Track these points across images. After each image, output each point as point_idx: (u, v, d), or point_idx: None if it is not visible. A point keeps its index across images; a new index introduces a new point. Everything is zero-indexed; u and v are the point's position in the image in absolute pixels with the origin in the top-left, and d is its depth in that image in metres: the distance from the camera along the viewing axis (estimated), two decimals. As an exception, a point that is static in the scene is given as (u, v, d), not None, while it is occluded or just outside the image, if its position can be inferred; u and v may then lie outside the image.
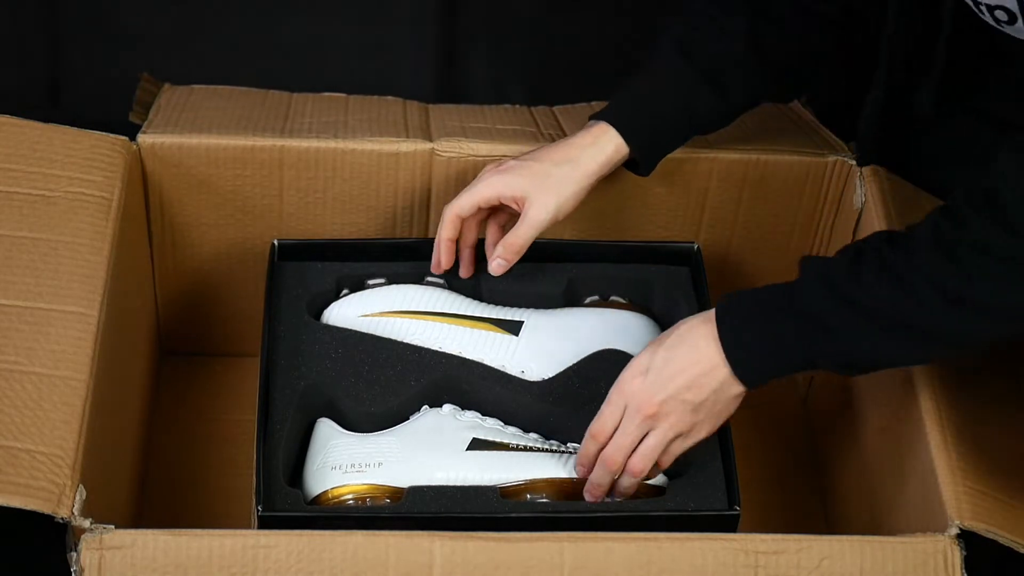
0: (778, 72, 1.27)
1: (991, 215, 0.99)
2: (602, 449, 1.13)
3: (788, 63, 1.27)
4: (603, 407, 1.13)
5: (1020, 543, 1.05)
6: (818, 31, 1.25)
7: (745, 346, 1.09)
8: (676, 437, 1.12)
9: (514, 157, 1.23)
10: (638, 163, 1.24)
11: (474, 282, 1.28)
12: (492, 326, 1.23)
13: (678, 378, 1.10)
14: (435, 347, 1.23)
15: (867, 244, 1.07)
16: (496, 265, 1.22)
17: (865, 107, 1.27)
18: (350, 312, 1.24)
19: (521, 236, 1.20)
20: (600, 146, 1.22)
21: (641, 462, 1.12)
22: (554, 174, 1.20)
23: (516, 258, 1.21)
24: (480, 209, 1.22)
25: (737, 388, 1.11)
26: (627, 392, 1.12)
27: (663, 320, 1.28)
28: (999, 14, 1.13)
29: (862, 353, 1.07)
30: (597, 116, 1.24)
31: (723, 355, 1.09)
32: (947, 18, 1.16)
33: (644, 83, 1.25)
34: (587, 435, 1.13)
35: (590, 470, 1.13)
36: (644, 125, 1.23)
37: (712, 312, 1.11)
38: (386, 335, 1.23)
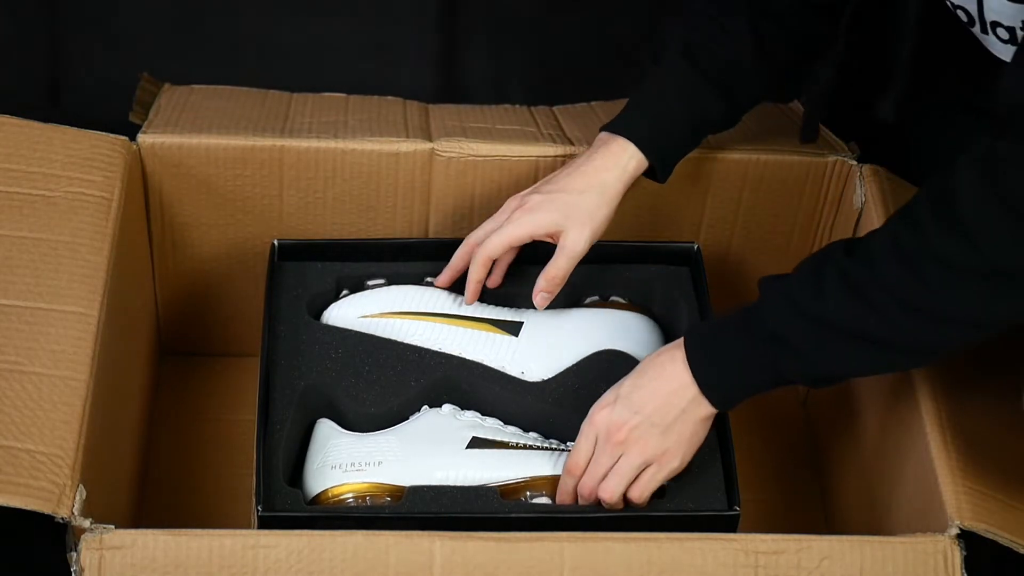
0: (782, 69, 1.27)
1: (950, 225, 0.98)
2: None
3: (792, 59, 1.27)
4: (576, 442, 1.13)
5: (1020, 543, 1.05)
6: (818, 21, 1.25)
7: (714, 367, 1.10)
8: (647, 465, 1.12)
9: (536, 190, 1.22)
10: (656, 172, 1.24)
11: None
12: (492, 327, 1.23)
13: (647, 403, 1.11)
14: (435, 348, 1.23)
15: (827, 256, 1.06)
16: (540, 299, 1.21)
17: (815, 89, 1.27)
18: (350, 313, 1.24)
19: (561, 268, 1.20)
20: (623, 166, 1.21)
21: (611, 488, 1.11)
22: (583, 204, 1.19)
23: (558, 290, 1.21)
24: (511, 249, 1.22)
25: (706, 409, 1.11)
26: (597, 423, 1.12)
27: (663, 320, 1.29)
28: (960, 14, 1.14)
29: (828, 366, 1.07)
30: (611, 129, 1.23)
31: (691, 376, 1.10)
32: (911, 24, 1.15)
33: (654, 92, 1.24)
34: (563, 470, 1.14)
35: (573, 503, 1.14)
36: (659, 135, 1.22)
37: (679, 341, 1.12)
38: (386, 335, 1.23)
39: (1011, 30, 1.12)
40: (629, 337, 1.25)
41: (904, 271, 1.00)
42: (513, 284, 1.26)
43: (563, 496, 1.14)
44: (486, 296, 1.27)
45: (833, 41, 1.22)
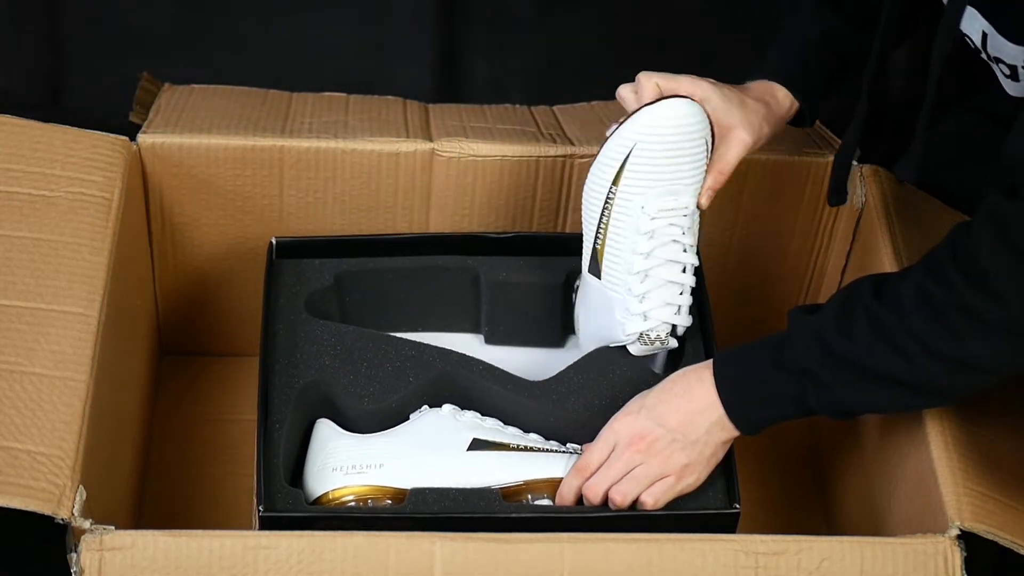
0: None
1: (975, 283, 1.00)
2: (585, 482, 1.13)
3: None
4: (592, 444, 1.14)
5: (1020, 544, 1.05)
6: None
7: (741, 393, 1.10)
8: (663, 477, 1.12)
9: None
10: (804, 116, 1.24)
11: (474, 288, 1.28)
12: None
13: (672, 417, 1.11)
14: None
15: (855, 298, 1.07)
16: (707, 196, 1.18)
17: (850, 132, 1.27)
18: None
19: (727, 163, 1.17)
20: (780, 101, 1.22)
21: (624, 491, 1.12)
22: (751, 107, 1.19)
23: (722, 183, 1.18)
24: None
25: (729, 432, 1.11)
26: (618, 429, 1.13)
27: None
28: (968, 41, 1.16)
29: (854, 403, 1.10)
30: (761, 75, 1.23)
31: (718, 398, 1.10)
32: (932, 89, 1.15)
33: (793, 38, 1.25)
34: (572, 469, 1.14)
35: (574, 503, 1.14)
36: (804, 75, 1.23)
37: (708, 362, 1.12)
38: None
39: (1013, 68, 1.13)
40: None
41: (933, 322, 1.02)
42: (513, 273, 1.27)
43: (565, 494, 1.14)
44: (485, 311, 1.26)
45: (857, 103, 1.22)
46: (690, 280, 1.18)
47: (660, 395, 1.13)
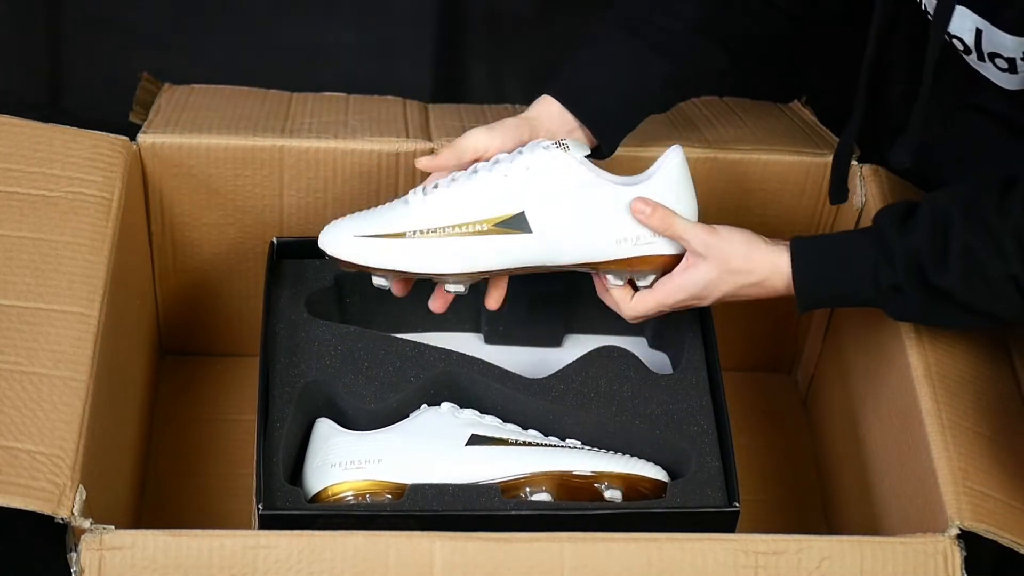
0: (731, 46, 1.25)
1: None
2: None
3: (744, 37, 1.26)
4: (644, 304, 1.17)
5: (1020, 543, 1.05)
6: (778, 19, 1.26)
7: (816, 292, 1.14)
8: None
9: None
10: (599, 145, 1.22)
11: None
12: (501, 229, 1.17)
13: (726, 292, 1.16)
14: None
15: (949, 226, 1.08)
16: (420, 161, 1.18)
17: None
18: (344, 233, 1.17)
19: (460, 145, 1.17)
20: (545, 107, 1.20)
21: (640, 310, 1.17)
22: (506, 123, 1.18)
23: (432, 161, 1.17)
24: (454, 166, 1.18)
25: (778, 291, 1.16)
26: (675, 307, 1.17)
27: (661, 319, 1.28)
28: (956, 43, 1.16)
29: (928, 320, 1.16)
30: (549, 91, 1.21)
31: (791, 286, 1.14)
32: (929, 76, 1.16)
33: (586, 55, 1.23)
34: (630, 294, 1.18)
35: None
36: (589, 94, 1.21)
37: (786, 259, 1.14)
38: (380, 257, 1.17)
39: (1011, 60, 1.13)
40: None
41: None
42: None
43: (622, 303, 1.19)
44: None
45: (855, 100, 1.23)
46: None
47: (735, 290, 1.16)
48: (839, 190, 1.28)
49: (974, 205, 1.08)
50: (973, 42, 1.14)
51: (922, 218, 1.10)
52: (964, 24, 1.13)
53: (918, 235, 1.09)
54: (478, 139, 1.17)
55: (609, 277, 1.17)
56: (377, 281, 1.17)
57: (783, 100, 1.48)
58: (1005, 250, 1.06)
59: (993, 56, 1.14)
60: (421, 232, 1.14)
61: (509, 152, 1.16)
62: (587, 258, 1.15)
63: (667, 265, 1.17)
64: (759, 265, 1.14)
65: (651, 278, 1.17)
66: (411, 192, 1.16)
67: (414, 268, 1.14)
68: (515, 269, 1.16)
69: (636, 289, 1.18)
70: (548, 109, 1.21)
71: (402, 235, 1.14)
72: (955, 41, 1.16)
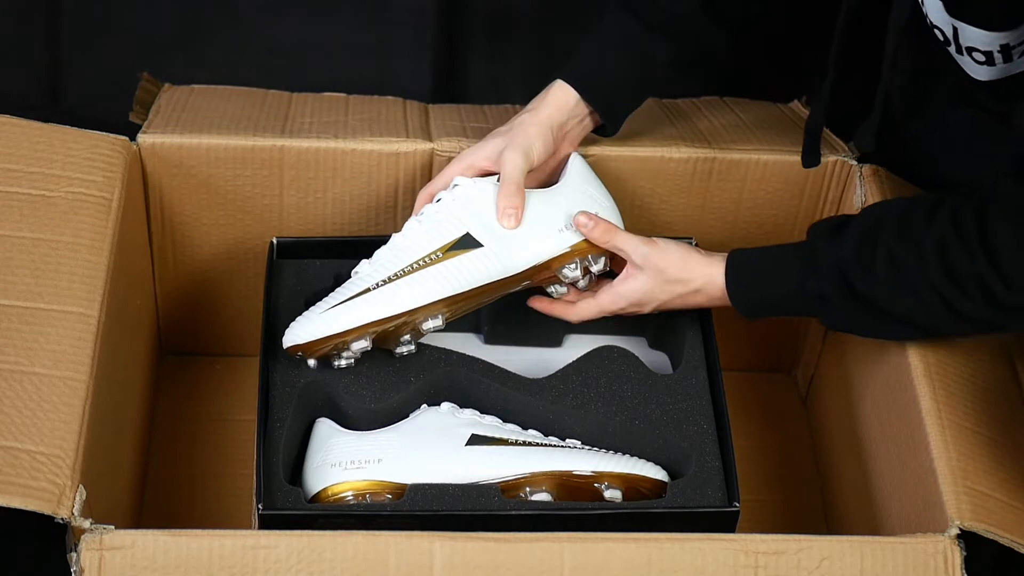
0: (732, 25, 1.28)
1: (995, 278, 1.04)
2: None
3: (744, 17, 1.29)
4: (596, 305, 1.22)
5: (1020, 543, 1.05)
6: None
7: (750, 281, 1.18)
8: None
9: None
10: (603, 123, 1.27)
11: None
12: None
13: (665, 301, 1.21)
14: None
15: (877, 235, 1.10)
16: (507, 217, 1.20)
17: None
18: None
19: (510, 176, 1.20)
20: (553, 94, 1.25)
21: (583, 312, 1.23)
22: (514, 124, 1.24)
23: (517, 200, 1.20)
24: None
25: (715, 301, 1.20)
26: (617, 312, 1.22)
27: (660, 318, 1.28)
28: (936, 33, 1.17)
29: (861, 330, 1.18)
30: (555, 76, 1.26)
31: (726, 296, 1.17)
32: (889, 62, 1.19)
33: (592, 39, 1.27)
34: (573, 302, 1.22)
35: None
36: (595, 76, 1.25)
37: (720, 269, 1.18)
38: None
39: (988, 54, 1.14)
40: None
41: (954, 287, 1.07)
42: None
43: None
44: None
45: (824, 74, 1.24)
46: None
47: (672, 299, 1.20)
48: (811, 153, 1.31)
49: (905, 216, 1.10)
50: (951, 34, 1.15)
51: (853, 228, 1.13)
52: (942, 16, 1.14)
53: (847, 245, 1.12)
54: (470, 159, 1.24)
55: (566, 271, 1.20)
56: (357, 345, 1.17)
57: (783, 100, 1.48)
58: (926, 258, 1.07)
59: (971, 50, 1.14)
60: (382, 281, 1.17)
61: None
62: (539, 256, 1.20)
63: None
64: (695, 275, 1.19)
65: (602, 260, 1.21)
66: (359, 265, 1.21)
67: (387, 313, 1.16)
68: (481, 288, 1.18)
69: (589, 279, 1.23)
70: (562, 98, 1.25)
71: (366, 291, 1.17)
72: (936, 32, 1.16)
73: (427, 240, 1.19)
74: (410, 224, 1.21)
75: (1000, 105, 1.19)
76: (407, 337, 1.19)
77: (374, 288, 1.17)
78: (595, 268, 1.21)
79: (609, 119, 1.27)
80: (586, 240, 1.20)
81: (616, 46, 1.26)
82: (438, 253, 1.18)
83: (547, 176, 1.27)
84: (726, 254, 1.19)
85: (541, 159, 1.23)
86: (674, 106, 1.44)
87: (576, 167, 1.24)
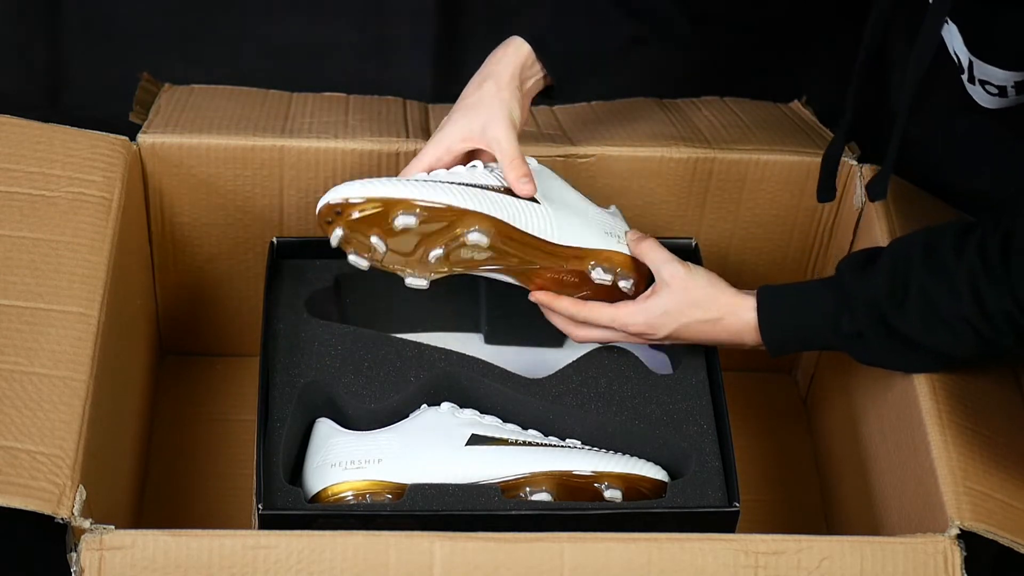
0: (693, 7, 1.27)
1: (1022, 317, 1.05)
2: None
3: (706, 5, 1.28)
4: (601, 312, 1.19)
5: (1020, 543, 1.05)
6: None
7: (780, 338, 1.17)
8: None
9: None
10: (553, 86, 1.25)
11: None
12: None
13: (687, 336, 1.18)
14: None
15: (909, 270, 1.10)
16: (522, 185, 1.18)
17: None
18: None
19: (509, 151, 1.18)
20: (511, 52, 1.23)
21: (584, 336, 1.21)
22: (483, 98, 1.21)
23: (524, 167, 1.18)
24: (430, 168, 1.21)
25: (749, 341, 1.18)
26: (626, 324, 1.18)
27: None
28: (954, 58, 1.17)
29: (893, 363, 1.17)
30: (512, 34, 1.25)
31: (746, 330, 1.16)
32: (904, 108, 1.17)
33: (553, 4, 1.26)
34: (579, 306, 1.19)
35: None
36: (554, 39, 1.23)
37: (750, 306, 1.16)
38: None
39: (1002, 88, 1.14)
40: None
41: (984, 320, 1.07)
42: None
43: (556, 303, 1.20)
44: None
45: (842, 110, 1.24)
46: None
47: (690, 324, 1.18)
48: (826, 188, 1.29)
49: (933, 249, 1.10)
50: (967, 65, 1.15)
51: (882, 264, 1.12)
52: (961, 48, 1.14)
53: (878, 281, 1.11)
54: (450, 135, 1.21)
55: (598, 271, 1.19)
56: (402, 221, 1.14)
57: (783, 100, 1.48)
58: (959, 291, 1.07)
59: (984, 83, 1.15)
60: (447, 182, 1.16)
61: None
62: (585, 242, 1.18)
63: (648, 275, 1.20)
64: (720, 303, 1.17)
65: (631, 281, 1.19)
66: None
67: (442, 199, 1.14)
68: (526, 238, 1.16)
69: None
70: (520, 55, 1.23)
71: (424, 181, 1.16)
72: (953, 57, 1.17)
73: (494, 179, 1.18)
74: (476, 164, 1.19)
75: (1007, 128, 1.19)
76: (439, 252, 1.15)
77: (435, 180, 1.16)
78: (622, 283, 1.19)
79: (561, 83, 1.25)
80: (626, 256, 1.19)
81: (577, 13, 1.25)
82: (501, 191, 1.17)
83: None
84: (754, 291, 1.17)
85: (522, 122, 1.22)
86: (674, 106, 1.44)
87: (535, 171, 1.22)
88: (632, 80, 1.46)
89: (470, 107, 1.21)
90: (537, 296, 1.21)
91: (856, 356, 1.17)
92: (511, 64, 1.22)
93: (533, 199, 1.17)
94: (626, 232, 1.21)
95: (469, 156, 1.21)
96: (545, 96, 1.27)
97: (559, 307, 1.20)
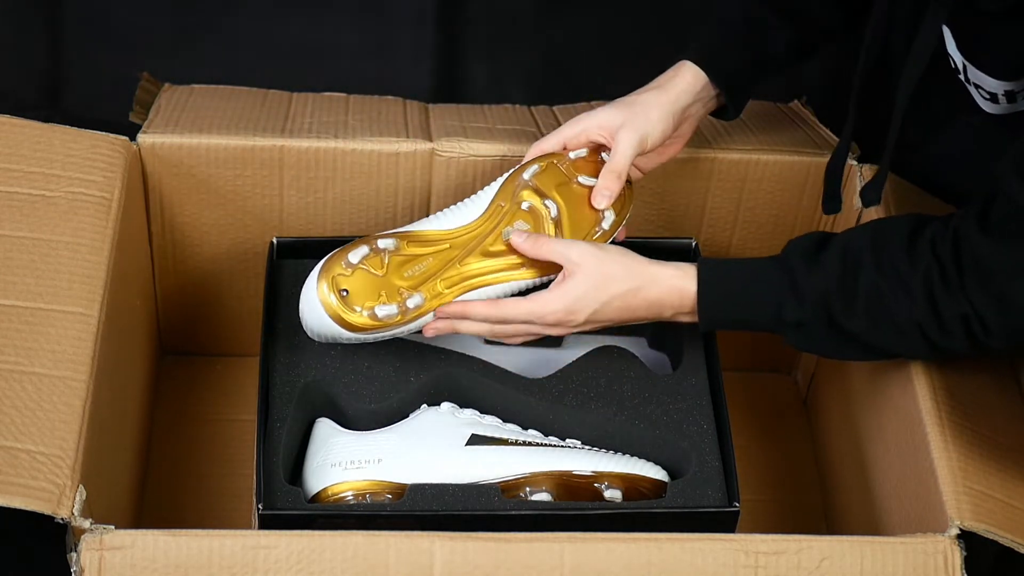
0: (849, 4, 1.27)
1: (976, 322, 1.06)
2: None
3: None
4: (521, 307, 1.14)
5: (1020, 543, 1.05)
6: None
7: (717, 314, 1.14)
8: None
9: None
10: (725, 105, 1.25)
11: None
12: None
13: (612, 316, 1.15)
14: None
15: (859, 270, 1.09)
16: (600, 197, 1.19)
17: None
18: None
19: (616, 163, 1.19)
20: (682, 76, 1.22)
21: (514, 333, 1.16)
22: (639, 101, 1.21)
23: (616, 186, 1.19)
24: (565, 148, 1.22)
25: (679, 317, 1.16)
26: (547, 319, 1.14)
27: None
28: (951, 60, 1.17)
29: (828, 354, 1.18)
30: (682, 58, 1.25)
31: (679, 309, 1.14)
32: (897, 120, 1.18)
33: (714, 21, 1.26)
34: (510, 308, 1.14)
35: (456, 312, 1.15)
36: (722, 58, 1.23)
37: (670, 274, 1.14)
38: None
39: (993, 95, 1.15)
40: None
41: (937, 327, 1.07)
42: None
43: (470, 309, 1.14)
44: None
45: (849, 110, 1.23)
46: None
47: (610, 301, 1.13)
48: (832, 198, 1.29)
49: (884, 249, 1.09)
50: (962, 67, 1.16)
51: (832, 256, 1.11)
52: (955, 50, 1.15)
53: (827, 275, 1.10)
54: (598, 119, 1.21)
55: (514, 228, 1.17)
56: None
57: (783, 100, 1.48)
58: (914, 296, 1.07)
59: (977, 87, 1.15)
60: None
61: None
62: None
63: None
64: (636, 272, 1.13)
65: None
66: None
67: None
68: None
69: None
70: (691, 80, 1.23)
71: None
72: (950, 59, 1.17)
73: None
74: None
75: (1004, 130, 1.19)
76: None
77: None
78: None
79: (733, 102, 1.25)
80: (523, 259, 1.16)
81: (739, 28, 1.25)
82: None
83: (658, 154, 1.25)
84: (671, 262, 1.15)
85: (655, 145, 1.22)
86: (674, 106, 1.44)
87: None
88: (631, 81, 1.46)
89: (626, 103, 1.21)
90: (449, 309, 1.14)
91: (791, 342, 1.14)
92: (679, 88, 1.22)
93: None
94: (518, 245, 1.16)
95: (598, 148, 1.22)
96: (716, 115, 1.28)
97: (474, 312, 1.14)
